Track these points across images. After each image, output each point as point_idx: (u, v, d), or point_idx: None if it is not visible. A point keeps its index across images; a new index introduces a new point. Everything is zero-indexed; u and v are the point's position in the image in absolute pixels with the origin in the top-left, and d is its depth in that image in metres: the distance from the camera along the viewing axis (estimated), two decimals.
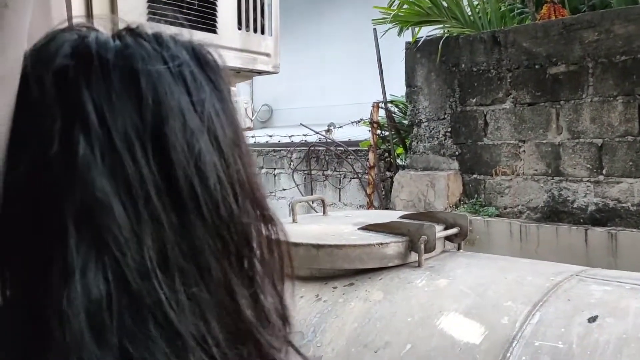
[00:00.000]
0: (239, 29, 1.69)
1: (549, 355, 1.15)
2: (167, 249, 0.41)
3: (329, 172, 4.94)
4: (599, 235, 3.14)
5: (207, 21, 1.65)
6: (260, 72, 1.80)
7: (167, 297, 0.40)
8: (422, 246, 1.59)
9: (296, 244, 1.65)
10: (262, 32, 1.79)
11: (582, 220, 3.30)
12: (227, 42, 1.63)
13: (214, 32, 1.61)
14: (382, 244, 1.60)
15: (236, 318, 0.44)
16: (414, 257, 1.61)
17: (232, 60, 1.64)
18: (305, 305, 1.56)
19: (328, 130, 5.37)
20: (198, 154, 0.43)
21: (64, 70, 0.42)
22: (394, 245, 1.60)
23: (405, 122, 4.48)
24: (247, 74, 1.76)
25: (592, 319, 1.22)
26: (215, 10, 1.68)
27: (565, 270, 1.49)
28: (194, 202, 0.43)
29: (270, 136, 5.54)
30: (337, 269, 1.61)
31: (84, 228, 0.39)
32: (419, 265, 1.59)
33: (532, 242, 3.38)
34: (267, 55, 1.75)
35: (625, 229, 3.09)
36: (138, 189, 0.40)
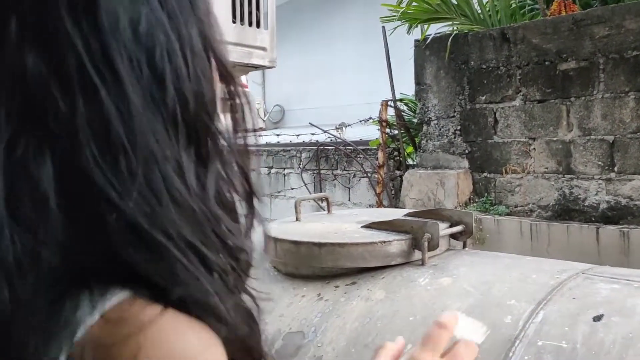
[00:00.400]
0: (234, 22, 1.68)
1: (552, 355, 1.13)
2: (109, 127, 0.37)
3: (338, 171, 4.93)
4: (610, 234, 3.09)
5: None
6: (256, 67, 1.78)
7: (107, 177, 0.37)
8: (426, 244, 1.57)
9: (298, 243, 1.64)
10: (258, 26, 1.76)
11: (593, 219, 3.25)
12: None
13: None
14: (385, 242, 1.58)
15: (187, 202, 0.39)
16: (417, 255, 1.59)
17: None
18: (306, 304, 1.55)
19: (338, 129, 5.36)
20: (137, 21, 0.39)
21: None
22: (397, 244, 1.59)
23: (415, 120, 4.46)
24: (242, 68, 1.74)
25: (598, 318, 1.20)
26: None
27: (571, 268, 1.46)
28: (130, 71, 0.38)
29: (277, 135, 5.54)
30: (339, 267, 1.60)
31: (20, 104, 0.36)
32: (423, 264, 1.57)
33: (543, 240, 3.33)
34: (263, 49, 1.73)
35: (637, 226, 3.04)
36: (70, 62, 0.37)
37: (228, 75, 0.46)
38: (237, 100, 0.46)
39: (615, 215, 3.19)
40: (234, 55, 1.63)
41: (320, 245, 1.60)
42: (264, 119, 10.34)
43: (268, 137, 6.11)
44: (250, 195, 0.48)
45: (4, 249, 0.35)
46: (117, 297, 0.37)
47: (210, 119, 0.43)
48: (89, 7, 0.38)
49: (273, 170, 5.64)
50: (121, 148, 0.37)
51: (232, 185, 0.46)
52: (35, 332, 0.35)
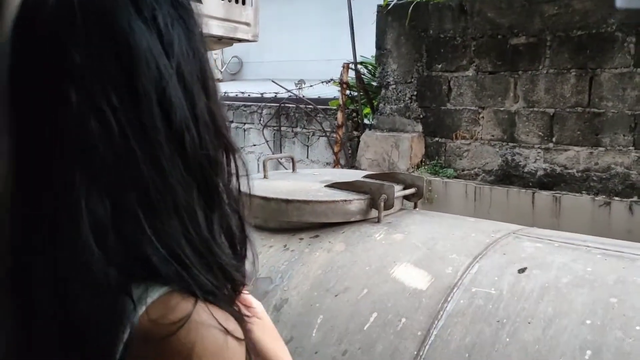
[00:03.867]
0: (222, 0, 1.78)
1: (483, 299, 1.36)
2: (147, 184, 0.52)
3: (298, 129, 5.06)
4: (544, 198, 3.40)
5: None
6: (240, 40, 1.89)
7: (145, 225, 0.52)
8: (382, 204, 1.77)
9: (267, 199, 1.80)
10: (243, 3, 1.87)
11: (531, 184, 3.55)
12: (210, 11, 1.72)
13: (199, 1, 1.67)
14: (346, 200, 1.77)
15: (199, 238, 0.56)
16: (374, 213, 1.79)
17: (214, 28, 1.73)
18: (274, 254, 1.72)
19: (298, 86, 5.45)
20: (162, 92, 0.53)
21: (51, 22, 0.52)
22: (356, 202, 1.77)
23: (374, 83, 4.61)
24: (227, 41, 1.86)
25: (522, 270, 1.43)
26: None
27: (504, 229, 1.69)
28: (162, 135, 0.52)
29: (243, 93, 5.58)
30: (304, 222, 1.77)
31: (82, 166, 0.52)
32: (379, 221, 1.77)
33: (485, 202, 3.63)
34: (247, 24, 1.84)
35: (568, 193, 3.36)
36: (117, 132, 0.51)
37: (228, 144, 0.61)
38: (234, 163, 0.62)
39: (550, 181, 3.50)
40: (221, 29, 1.74)
41: (287, 201, 1.77)
42: (221, 70, 10.20)
43: (226, 87, 6.12)
44: (242, 231, 0.63)
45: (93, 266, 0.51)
46: (157, 292, 0.53)
47: (217, 178, 0.59)
48: (129, 85, 0.53)
49: (233, 125, 5.71)
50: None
51: (230, 226, 0.61)
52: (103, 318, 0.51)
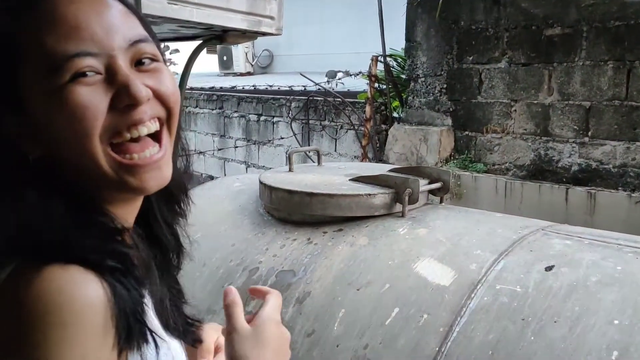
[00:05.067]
0: None
1: (507, 297, 1.32)
2: None
3: (326, 122, 5.05)
4: (578, 195, 3.31)
5: None
6: (264, 34, 1.89)
7: None
8: (407, 198, 1.74)
9: (291, 192, 1.80)
10: None
11: (564, 180, 3.46)
12: (234, 5, 1.72)
13: None
14: (370, 194, 1.75)
15: None
16: (398, 207, 1.77)
17: (239, 22, 1.73)
18: (297, 247, 1.72)
19: (329, 79, 5.42)
20: None
21: None
22: (380, 196, 1.76)
23: (403, 76, 4.56)
24: (252, 35, 1.86)
25: (549, 268, 1.39)
26: None
27: (533, 225, 1.65)
28: None
29: (270, 86, 5.60)
30: (328, 215, 1.77)
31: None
32: (403, 216, 1.75)
33: (516, 198, 3.55)
34: (271, 18, 1.84)
35: (604, 189, 3.26)
36: None
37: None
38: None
39: (585, 177, 3.40)
40: (245, 23, 1.74)
41: (311, 195, 1.76)
42: (252, 64, 10.27)
43: (258, 83, 6.16)
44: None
45: None
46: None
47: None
48: None
49: (262, 118, 5.73)
50: None
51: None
52: None
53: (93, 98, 0.57)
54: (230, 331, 0.72)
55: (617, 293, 1.24)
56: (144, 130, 0.61)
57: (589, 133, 3.38)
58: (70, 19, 0.57)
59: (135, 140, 0.61)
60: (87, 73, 0.57)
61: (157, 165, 0.62)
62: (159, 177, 0.63)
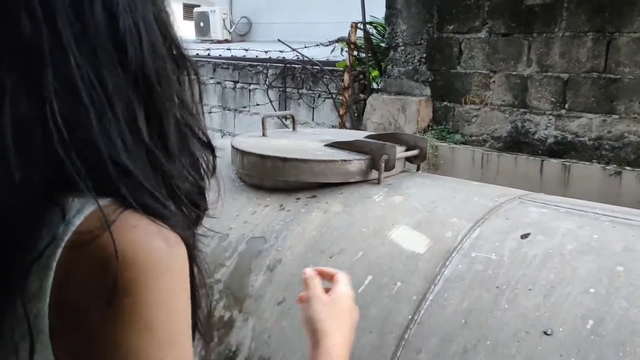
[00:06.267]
0: None
1: (483, 265, 1.30)
2: (78, 87, 0.48)
3: (303, 90, 4.96)
4: (553, 167, 3.31)
5: None
6: None
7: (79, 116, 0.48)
8: (383, 165, 1.70)
9: (264, 157, 1.74)
10: None
11: (540, 152, 3.46)
12: None
13: None
14: (345, 160, 1.70)
15: (138, 151, 0.51)
16: (374, 174, 1.72)
17: None
18: (269, 213, 1.67)
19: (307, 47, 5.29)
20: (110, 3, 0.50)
21: None
22: (356, 163, 1.71)
23: (383, 45, 4.48)
24: None
25: (525, 236, 1.37)
26: None
27: (509, 194, 1.63)
28: (102, 39, 0.50)
29: (246, 50, 5.46)
30: (301, 181, 1.71)
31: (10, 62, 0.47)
32: (378, 182, 1.70)
33: (492, 170, 3.55)
34: None
35: (578, 161, 3.27)
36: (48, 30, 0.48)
37: (180, 57, 0.58)
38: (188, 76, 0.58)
39: (560, 149, 3.40)
40: None
41: (284, 160, 1.71)
42: (230, 31, 10.03)
43: (235, 51, 6.01)
44: (209, 146, 0.60)
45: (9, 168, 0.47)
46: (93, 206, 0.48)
47: (167, 91, 0.54)
48: None
49: (239, 85, 5.60)
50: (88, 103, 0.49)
51: (188, 146, 0.58)
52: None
53: None
54: (310, 296, 0.81)
55: (593, 262, 1.22)
56: None
57: (566, 105, 3.37)
58: None
59: None
60: None
61: None
62: None
